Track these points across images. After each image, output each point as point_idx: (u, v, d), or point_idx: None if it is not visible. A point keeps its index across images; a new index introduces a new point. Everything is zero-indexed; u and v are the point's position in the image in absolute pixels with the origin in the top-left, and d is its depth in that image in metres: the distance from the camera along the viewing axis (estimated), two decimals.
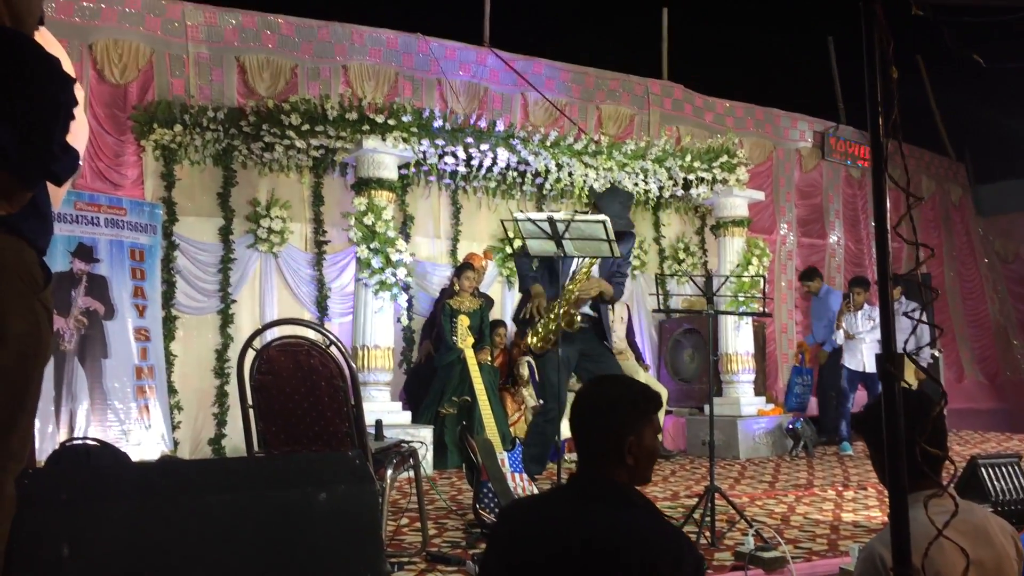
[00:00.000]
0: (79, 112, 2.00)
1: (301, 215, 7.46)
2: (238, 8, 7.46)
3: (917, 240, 1.57)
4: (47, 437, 5.51)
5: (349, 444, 3.30)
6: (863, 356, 7.99)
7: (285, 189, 7.36)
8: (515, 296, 7.88)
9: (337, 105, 6.89)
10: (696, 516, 4.14)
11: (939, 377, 9.53)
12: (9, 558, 1.83)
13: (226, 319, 7.03)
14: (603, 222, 4.30)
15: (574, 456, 6.24)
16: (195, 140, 6.88)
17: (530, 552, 1.81)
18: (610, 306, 5.28)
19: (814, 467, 7.04)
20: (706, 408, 7.33)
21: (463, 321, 5.55)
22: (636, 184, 8.21)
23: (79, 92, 1.98)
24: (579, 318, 4.83)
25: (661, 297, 4.88)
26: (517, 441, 4.76)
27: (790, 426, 7.89)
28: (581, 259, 4.87)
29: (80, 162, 2.01)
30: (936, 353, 9.29)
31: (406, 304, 7.59)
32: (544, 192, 8.33)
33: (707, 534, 4.01)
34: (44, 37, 2.12)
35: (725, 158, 8.30)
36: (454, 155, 7.39)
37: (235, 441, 6.69)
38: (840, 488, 5.85)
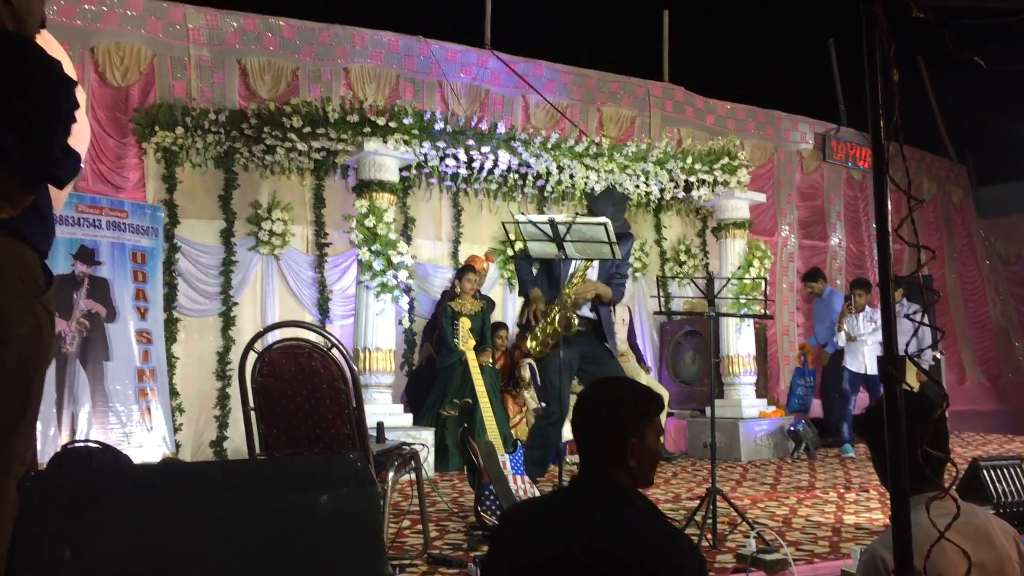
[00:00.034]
0: (80, 115, 2.00)
1: (302, 217, 7.46)
2: (239, 11, 7.47)
3: (919, 242, 1.57)
4: (49, 440, 5.52)
5: (351, 446, 3.30)
6: (865, 358, 7.98)
7: (286, 191, 7.37)
8: (516, 298, 7.89)
9: (338, 107, 6.89)
10: (698, 518, 4.13)
11: (940, 379, 9.51)
12: (11, 560, 1.83)
13: (228, 321, 7.03)
14: (604, 224, 4.31)
15: (575, 458, 6.24)
16: (196, 143, 6.88)
17: (532, 554, 1.81)
18: (612, 308, 5.28)
19: (816, 469, 7.03)
20: (707, 410, 7.33)
21: (464, 323, 5.56)
22: (637, 186, 8.21)
23: (80, 95, 1.98)
24: (577, 321, 4.83)
25: (662, 299, 4.88)
26: (518, 443, 4.76)
27: (791, 428, 7.89)
28: (579, 262, 4.88)
29: (81, 165, 2.02)
30: (938, 355, 9.28)
31: (407, 306, 7.59)
32: (545, 194, 8.34)
33: (709, 536, 4.01)
34: (46, 40, 2.13)
35: (726, 160, 8.29)
36: (455, 157, 7.39)
37: (237, 443, 6.70)
38: (842, 490, 5.84)
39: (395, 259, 6.63)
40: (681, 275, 8.95)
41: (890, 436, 1.51)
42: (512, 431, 7.03)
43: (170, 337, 6.70)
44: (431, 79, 8.22)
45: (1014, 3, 1.58)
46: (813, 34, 11.74)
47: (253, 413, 3.48)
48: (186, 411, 6.75)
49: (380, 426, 4.05)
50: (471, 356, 5.41)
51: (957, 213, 12.83)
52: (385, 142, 6.79)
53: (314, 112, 6.88)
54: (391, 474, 3.60)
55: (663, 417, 6.56)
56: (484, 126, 7.52)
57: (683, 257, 9.27)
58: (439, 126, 7.16)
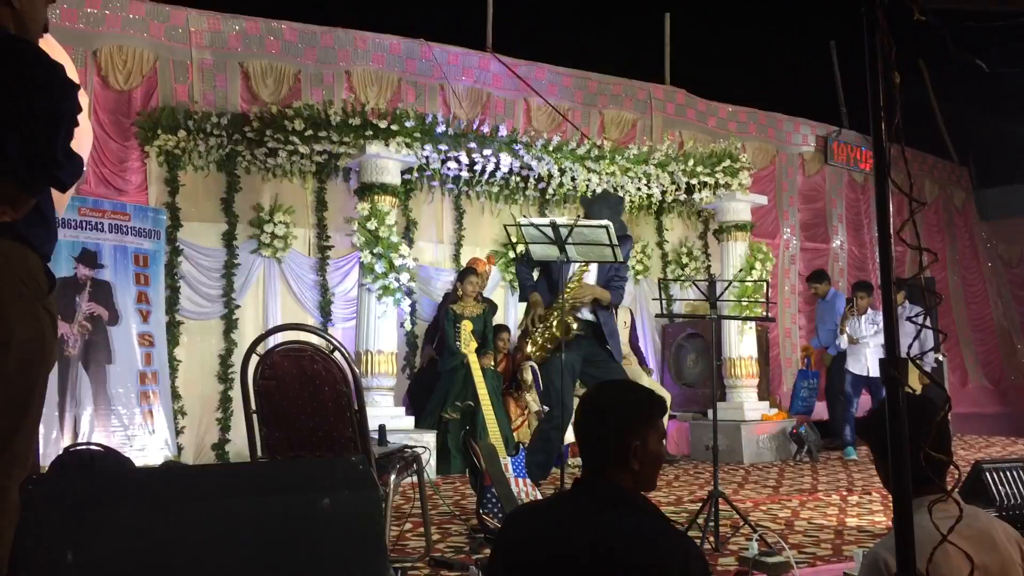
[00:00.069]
0: (83, 118, 2.01)
1: (304, 220, 7.47)
2: (242, 14, 7.48)
3: (920, 244, 1.57)
4: (51, 443, 5.52)
5: (353, 449, 3.30)
6: (867, 360, 7.98)
7: (288, 194, 7.38)
8: (518, 301, 7.89)
9: (340, 110, 6.90)
10: (700, 521, 4.13)
11: (943, 381, 9.50)
12: (13, 563, 1.83)
13: (230, 324, 7.04)
14: (606, 227, 4.31)
15: (578, 461, 6.24)
16: (199, 146, 6.89)
17: (535, 557, 1.81)
18: (614, 311, 5.29)
19: (818, 472, 7.03)
20: (710, 413, 7.33)
21: (466, 326, 5.55)
22: (639, 189, 8.21)
23: (83, 98, 1.98)
24: (576, 325, 4.83)
25: (664, 302, 4.87)
26: (520, 446, 4.76)
27: (793, 431, 7.88)
28: (575, 266, 4.89)
29: (84, 168, 2.02)
30: (940, 357, 9.27)
31: (409, 309, 7.60)
32: (547, 197, 8.34)
33: (711, 539, 4.00)
34: (49, 44, 2.13)
35: (728, 162, 8.29)
36: (457, 160, 7.40)
37: (239, 446, 6.70)
38: (844, 493, 5.83)
39: (397, 262, 6.64)
40: (683, 277, 8.95)
41: (892, 439, 1.51)
42: (514, 434, 7.03)
43: (172, 340, 6.71)
44: (433, 82, 8.23)
45: (1016, 6, 1.58)
46: (814, 36, 11.76)
47: (255, 416, 3.48)
48: (188, 414, 6.75)
49: (382, 429, 4.05)
50: (473, 359, 5.40)
51: (959, 215, 12.83)
52: (387, 145, 6.80)
53: (316, 115, 6.88)
54: (393, 477, 3.60)
55: (665, 420, 6.56)
56: (486, 129, 7.52)
57: (685, 260, 9.27)
58: (441, 129, 7.16)
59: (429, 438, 6.33)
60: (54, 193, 2.02)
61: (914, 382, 1.90)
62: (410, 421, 6.69)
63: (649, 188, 8.26)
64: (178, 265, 6.83)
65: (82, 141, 2.07)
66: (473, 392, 6.23)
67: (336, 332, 7.21)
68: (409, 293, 7.24)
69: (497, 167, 7.60)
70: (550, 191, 8.14)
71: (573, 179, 7.92)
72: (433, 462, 6.20)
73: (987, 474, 4.25)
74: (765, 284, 6.02)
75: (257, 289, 7.24)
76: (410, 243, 7.61)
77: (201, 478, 2.28)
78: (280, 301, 7.29)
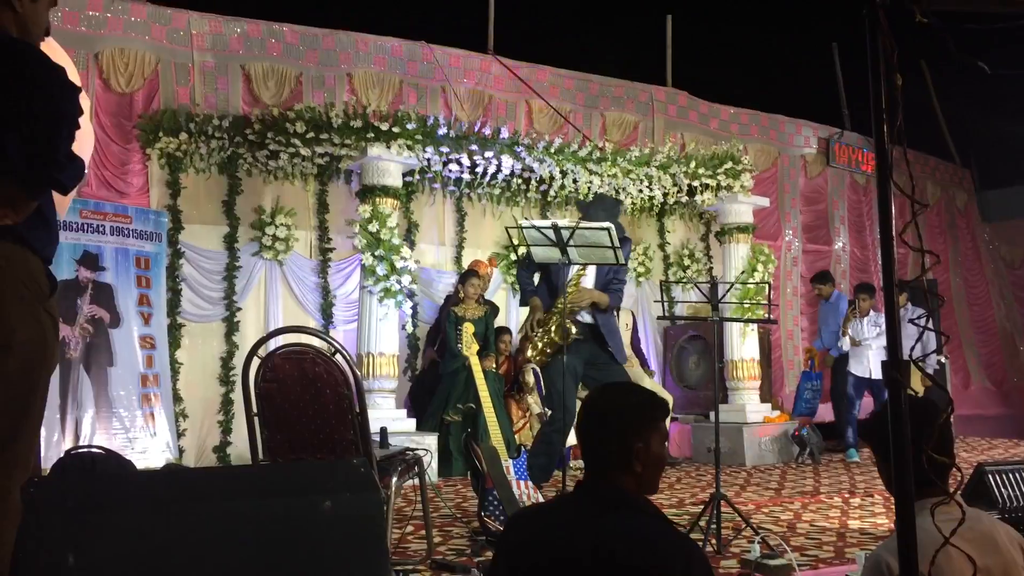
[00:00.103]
0: (84, 121, 2.01)
1: (306, 223, 7.47)
2: (243, 17, 7.49)
3: (923, 246, 1.57)
4: (52, 445, 5.52)
5: (354, 452, 3.30)
6: (869, 363, 7.96)
7: (290, 197, 7.38)
8: (519, 304, 7.88)
9: (342, 113, 6.90)
10: (702, 523, 4.13)
11: (945, 384, 9.48)
12: (14, 566, 1.83)
13: (231, 327, 7.04)
14: (608, 229, 4.31)
15: (580, 463, 6.23)
16: (200, 148, 6.90)
17: (537, 560, 1.81)
18: (615, 313, 5.28)
19: (820, 474, 7.02)
20: (711, 415, 7.32)
21: (468, 328, 5.55)
22: (640, 191, 8.21)
23: (84, 101, 1.98)
24: (575, 329, 4.83)
25: (666, 304, 4.88)
26: (522, 448, 4.75)
27: (796, 433, 7.87)
28: (573, 269, 4.89)
29: (85, 171, 2.02)
30: (942, 359, 9.25)
31: (411, 311, 7.60)
32: (548, 199, 8.34)
33: (713, 541, 4.00)
34: (50, 47, 2.14)
35: (730, 164, 8.29)
36: (458, 162, 7.40)
37: (240, 449, 6.70)
38: (847, 495, 5.82)
39: (398, 264, 6.64)
40: (685, 280, 8.94)
41: (894, 441, 1.51)
42: (516, 436, 7.03)
43: (174, 342, 6.71)
44: (434, 84, 8.24)
45: (1017, 7, 1.58)
46: (816, 38, 11.75)
47: (256, 418, 3.48)
48: (189, 416, 6.75)
49: (383, 431, 4.04)
50: (474, 361, 5.40)
51: (961, 217, 12.81)
52: (388, 147, 6.80)
53: (317, 117, 6.89)
54: (395, 479, 3.60)
55: (667, 422, 6.55)
56: (487, 131, 7.52)
57: (687, 262, 9.26)
58: (442, 131, 7.16)
59: (431, 440, 6.33)
60: (55, 196, 2.02)
61: (916, 384, 1.90)
62: (411, 423, 6.69)
63: (651, 190, 8.26)
64: (179, 267, 6.84)
65: (83, 144, 2.07)
66: (475, 394, 6.23)
67: (337, 334, 7.21)
68: (410, 295, 7.23)
69: (499, 169, 7.60)
70: (551, 193, 8.13)
71: (575, 181, 7.92)
72: (435, 464, 6.19)
73: (990, 476, 4.25)
74: (767, 286, 6.03)
75: (258, 291, 7.24)
76: (411, 245, 7.61)
77: (202, 481, 2.27)
78: (281, 303, 7.29)
